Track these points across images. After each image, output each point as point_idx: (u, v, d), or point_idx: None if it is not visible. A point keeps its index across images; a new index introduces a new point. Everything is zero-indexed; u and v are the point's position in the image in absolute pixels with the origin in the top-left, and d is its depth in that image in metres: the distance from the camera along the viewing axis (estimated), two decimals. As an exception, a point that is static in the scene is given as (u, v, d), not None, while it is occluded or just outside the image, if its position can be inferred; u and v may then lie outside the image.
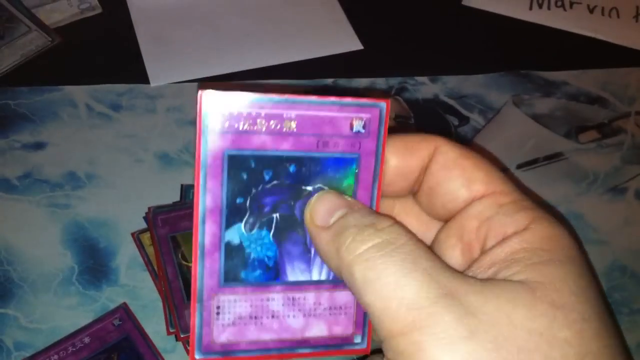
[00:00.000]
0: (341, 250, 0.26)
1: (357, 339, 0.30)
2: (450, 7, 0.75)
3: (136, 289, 0.52)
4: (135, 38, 0.69)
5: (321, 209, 0.28)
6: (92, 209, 0.56)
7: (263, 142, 0.28)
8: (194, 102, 0.64)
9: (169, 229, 0.53)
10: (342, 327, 0.30)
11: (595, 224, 0.58)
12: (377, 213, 0.28)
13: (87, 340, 0.49)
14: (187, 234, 0.53)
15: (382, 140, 0.29)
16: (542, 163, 0.62)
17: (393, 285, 0.24)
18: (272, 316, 0.29)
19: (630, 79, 0.69)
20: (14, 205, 0.57)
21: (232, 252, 0.29)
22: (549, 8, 0.74)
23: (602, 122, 0.65)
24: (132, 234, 0.55)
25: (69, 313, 0.51)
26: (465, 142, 0.63)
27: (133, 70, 0.66)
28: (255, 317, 0.29)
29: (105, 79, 0.65)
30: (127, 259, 0.54)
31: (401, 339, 0.23)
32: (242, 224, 0.29)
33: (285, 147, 0.28)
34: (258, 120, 0.28)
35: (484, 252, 0.27)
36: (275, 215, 0.29)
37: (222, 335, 0.28)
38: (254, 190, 0.28)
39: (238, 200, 0.28)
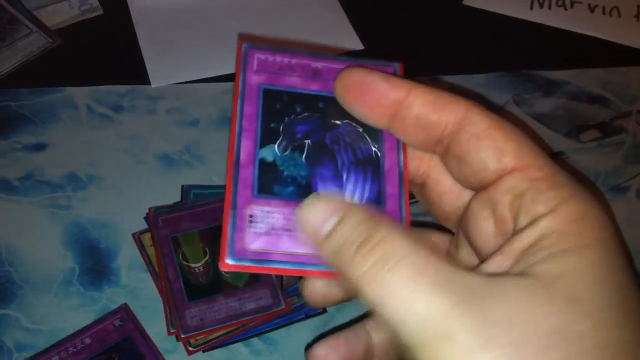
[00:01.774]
0: (345, 269, 0.25)
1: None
2: (450, 6, 0.75)
3: (137, 289, 0.52)
4: (136, 39, 0.69)
5: (312, 217, 0.27)
6: (93, 210, 0.56)
7: (294, 82, 0.32)
8: (194, 103, 0.64)
9: (169, 229, 0.53)
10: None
11: (597, 223, 0.58)
12: (373, 215, 0.26)
13: (87, 340, 0.49)
14: (188, 235, 0.54)
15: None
16: (543, 162, 0.61)
17: (403, 301, 0.23)
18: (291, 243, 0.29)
19: (631, 78, 0.69)
20: (15, 206, 0.57)
21: (266, 167, 0.30)
22: (549, 7, 0.74)
23: (603, 121, 0.65)
24: (133, 235, 0.55)
25: (69, 314, 0.51)
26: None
27: (134, 71, 0.66)
28: (288, 230, 0.29)
29: (106, 80, 0.65)
30: (128, 260, 0.54)
31: (420, 353, 0.23)
32: (276, 145, 0.30)
33: (313, 87, 0.32)
34: (289, 66, 0.32)
35: (515, 232, 0.26)
36: (307, 142, 0.31)
37: (255, 242, 0.28)
38: (286, 118, 0.31)
39: (272, 125, 0.31)
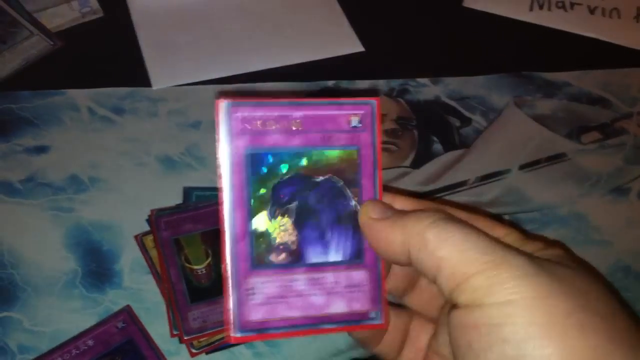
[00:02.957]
0: (409, 226, 0.30)
1: (373, 315, 0.33)
2: (451, 8, 0.75)
3: (140, 291, 0.52)
4: (137, 41, 0.69)
5: (377, 207, 0.32)
6: (95, 213, 0.56)
7: (276, 140, 0.32)
8: (195, 105, 0.64)
9: (172, 231, 0.53)
10: (359, 303, 0.33)
11: (598, 224, 0.58)
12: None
13: (90, 343, 0.49)
14: (190, 237, 0.54)
15: (377, 133, 0.33)
16: (544, 164, 0.62)
17: (464, 239, 0.28)
18: (298, 295, 0.32)
19: (631, 80, 0.69)
20: (17, 208, 0.57)
21: (259, 238, 0.32)
22: (549, 9, 0.74)
23: (604, 122, 0.65)
24: (136, 237, 0.55)
25: (72, 316, 0.51)
26: (467, 143, 0.63)
27: (135, 73, 0.66)
28: (283, 297, 0.31)
29: (107, 83, 0.65)
30: (130, 262, 0.54)
31: (479, 276, 0.27)
32: (266, 213, 0.32)
33: (295, 143, 0.32)
34: (269, 122, 0.32)
35: None
36: (294, 204, 0.32)
37: (256, 314, 0.31)
38: (273, 182, 0.32)
39: (261, 191, 0.32)
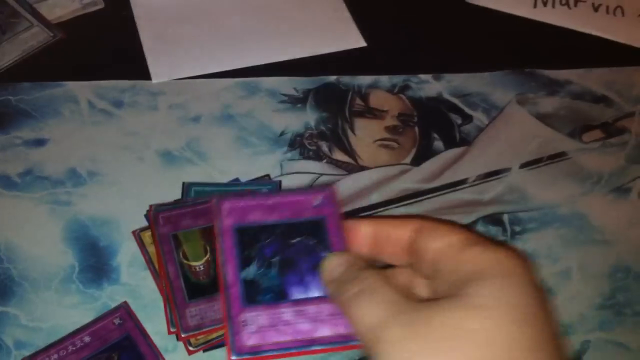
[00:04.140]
0: (335, 298, 0.37)
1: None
2: (454, 4, 0.74)
3: (137, 287, 0.52)
4: (138, 34, 0.68)
5: (325, 269, 0.39)
6: (94, 207, 0.56)
7: (257, 217, 0.42)
8: (196, 99, 0.64)
9: (170, 227, 0.53)
10: (343, 327, 0.38)
11: (599, 224, 0.58)
12: (354, 266, 0.38)
13: (87, 339, 0.49)
14: (189, 233, 0.53)
15: (336, 207, 0.42)
16: (545, 162, 0.61)
17: (359, 316, 0.34)
18: (286, 324, 0.39)
19: (635, 78, 0.68)
20: (15, 202, 0.56)
21: (248, 284, 0.40)
22: (553, 6, 0.74)
23: (606, 121, 0.65)
24: (133, 232, 0.54)
25: (69, 312, 0.51)
26: (468, 141, 0.62)
27: (135, 66, 0.66)
28: (273, 325, 0.39)
29: (107, 75, 0.65)
30: (129, 258, 0.53)
31: (371, 351, 0.32)
32: (253, 267, 0.40)
33: (271, 218, 0.42)
34: (251, 206, 0.42)
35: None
36: (276, 259, 0.41)
37: (250, 340, 0.38)
38: (257, 245, 0.41)
39: (246, 253, 0.41)
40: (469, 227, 0.56)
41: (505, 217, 0.57)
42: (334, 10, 0.72)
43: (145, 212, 0.55)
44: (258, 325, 0.39)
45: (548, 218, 0.58)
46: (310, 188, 0.46)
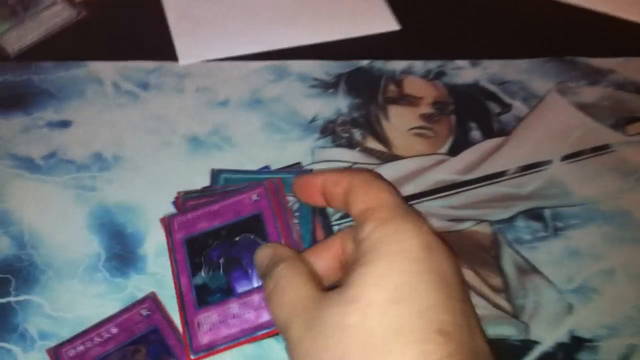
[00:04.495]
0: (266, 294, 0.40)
1: None
2: (491, -13, 0.71)
3: (164, 278, 0.50)
4: (164, 13, 0.66)
5: (256, 260, 0.44)
6: (119, 193, 0.54)
7: (203, 225, 0.49)
8: (224, 82, 0.61)
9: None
10: None
11: (644, 221, 0.56)
12: (274, 258, 0.42)
13: (114, 330, 0.47)
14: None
15: (272, 199, 0.48)
16: (587, 155, 0.59)
17: (272, 314, 0.39)
18: (234, 317, 0.45)
19: (681, 69, 0.65)
20: (38, 186, 0.55)
21: (199, 289, 0.46)
22: (595, -9, 0.71)
23: (650, 113, 0.62)
24: (162, 219, 0.52)
25: (95, 302, 0.49)
26: (507, 131, 0.60)
27: (161, 47, 0.64)
28: (223, 321, 0.45)
29: (132, 56, 0.62)
30: (155, 246, 0.52)
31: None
32: (202, 272, 0.47)
33: (216, 223, 0.48)
34: (198, 217, 0.49)
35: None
36: (221, 260, 0.47)
37: (204, 339, 0.44)
38: (204, 252, 0.47)
39: (196, 260, 0.47)
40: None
41: (547, 213, 0.55)
42: (367, -8, 0.69)
43: (172, 199, 0.53)
44: (211, 324, 0.45)
45: (590, 214, 0.55)
46: (248, 185, 0.50)
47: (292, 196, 0.49)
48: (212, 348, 0.44)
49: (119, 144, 0.57)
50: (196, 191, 0.53)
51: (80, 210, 0.53)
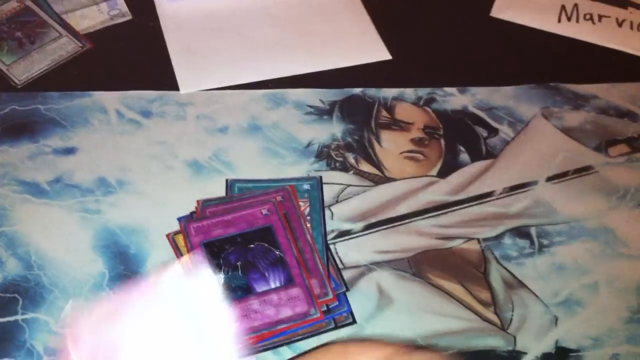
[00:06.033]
0: None
1: (312, 312, 0.51)
2: (478, 18, 0.74)
3: (166, 295, 0.52)
4: (165, 45, 0.69)
5: None
6: (123, 215, 0.57)
7: (219, 232, 0.53)
8: (223, 110, 0.64)
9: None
10: (300, 307, 0.51)
11: (627, 238, 0.58)
12: None
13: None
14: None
15: (281, 214, 0.54)
16: (571, 176, 0.61)
17: None
18: (256, 312, 0.50)
19: (660, 93, 0.68)
20: (45, 210, 0.57)
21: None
22: (577, 21, 0.74)
23: (631, 136, 0.65)
24: (167, 235, 0.55)
25: (100, 319, 0.51)
26: (494, 154, 0.62)
27: (163, 77, 0.66)
28: (246, 315, 0.50)
29: (135, 86, 0.65)
30: (158, 265, 0.54)
31: None
32: (222, 272, 0.52)
33: (231, 231, 0.53)
34: (214, 224, 0.54)
35: None
36: (239, 263, 0.52)
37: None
38: (222, 255, 0.52)
39: (216, 262, 0.52)
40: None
41: (533, 230, 0.57)
42: (359, 24, 0.72)
43: (173, 221, 0.55)
44: (235, 317, 0.49)
45: (575, 232, 0.58)
46: (259, 198, 0.56)
47: (304, 201, 0.57)
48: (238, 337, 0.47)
49: (123, 169, 0.60)
50: (215, 199, 0.56)
51: (85, 232, 0.55)
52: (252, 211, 0.54)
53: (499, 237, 0.57)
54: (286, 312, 0.50)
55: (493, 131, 0.64)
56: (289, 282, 0.52)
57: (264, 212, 0.54)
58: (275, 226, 0.54)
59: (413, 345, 0.34)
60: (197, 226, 0.53)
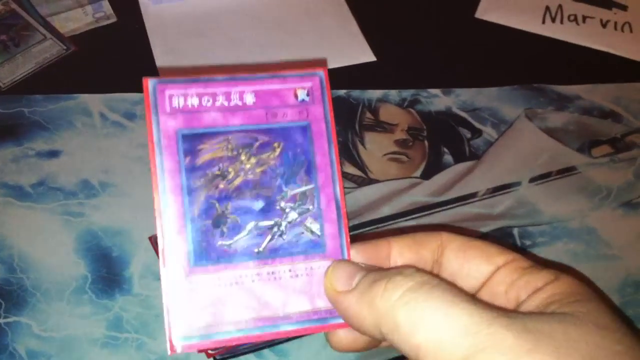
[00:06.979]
0: (376, 302, 0.26)
1: None
2: (463, 19, 0.75)
3: (149, 298, 0.52)
4: (150, 47, 0.69)
5: (341, 275, 0.29)
6: (106, 218, 0.57)
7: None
8: (207, 112, 0.64)
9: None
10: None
11: (609, 238, 0.58)
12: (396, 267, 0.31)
13: (249, 99, 0.31)
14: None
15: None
16: (555, 177, 0.62)
17: (442, 317, 0.24)
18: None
19: (643, 94, 0.69)
20: (28, 212, 0.57)
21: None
22: (561, 22, 0.74)
23: (615, 136, 0.65)
24: (150, 238, 0.55)
25: (82, 322, 0.51)
26: (478, 155, 0.63)
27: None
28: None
29: (119, 88, 0.65)
30: (140, 268, 0.54)
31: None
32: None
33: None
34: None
35: (519, 303, 0.29)
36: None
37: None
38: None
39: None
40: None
41: (515, 231, 0.58)
42: (343, 25, 0.72)
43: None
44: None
45: (558, 232, 0.58)
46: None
47: None
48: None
49: (106, 171, 0.60)
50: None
51: (68, 235, 0.55)
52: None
53: (482, 238, 0.57)
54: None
55: (477, 132, 0.64)
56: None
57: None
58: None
59: (532, 259, 0.32)
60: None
